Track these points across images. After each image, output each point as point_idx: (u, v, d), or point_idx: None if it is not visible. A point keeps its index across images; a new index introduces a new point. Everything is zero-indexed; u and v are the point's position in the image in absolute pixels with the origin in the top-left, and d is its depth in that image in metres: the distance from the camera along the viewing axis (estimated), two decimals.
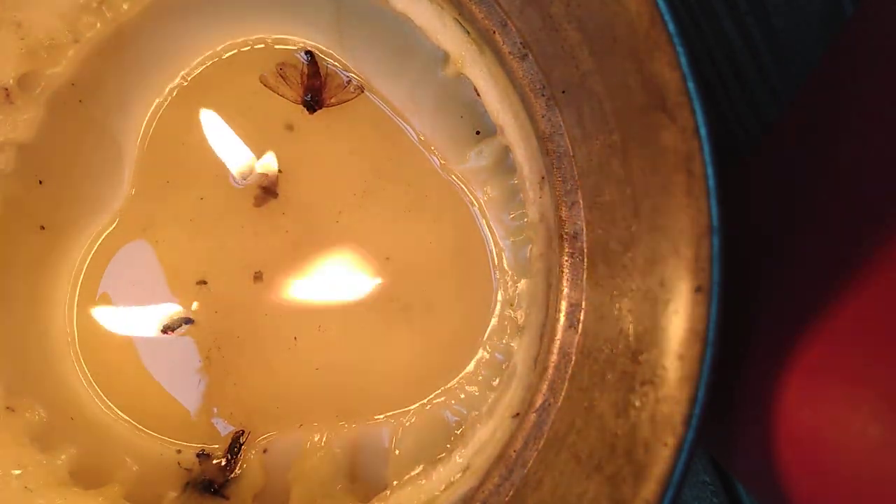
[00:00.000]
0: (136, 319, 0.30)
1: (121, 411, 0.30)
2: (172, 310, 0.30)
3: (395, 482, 0.27)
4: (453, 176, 0.29)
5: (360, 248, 0.30)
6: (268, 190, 0.30)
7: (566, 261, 0.22)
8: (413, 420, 0.29)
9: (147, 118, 0.30)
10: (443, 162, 0.29)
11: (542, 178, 0.24)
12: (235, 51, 0.30)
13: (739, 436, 0.20)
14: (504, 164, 0.28)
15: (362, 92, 0.30)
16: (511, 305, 0.28)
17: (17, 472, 0.26)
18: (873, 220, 0.17)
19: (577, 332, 0.22)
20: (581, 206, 0.22)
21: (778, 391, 0.18)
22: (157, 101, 0.30)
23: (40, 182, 0.29)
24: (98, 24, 0.28)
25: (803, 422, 0.17)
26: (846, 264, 0.17)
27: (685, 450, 0.17)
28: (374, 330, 0.30)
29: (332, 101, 0.30)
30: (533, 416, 0.22)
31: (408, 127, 0.30)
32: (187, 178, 0.30)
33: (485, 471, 0.23)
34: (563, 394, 0.22)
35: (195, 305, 0.30)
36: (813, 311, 0.17)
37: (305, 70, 0.30)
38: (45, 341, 0.29)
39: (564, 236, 0.22)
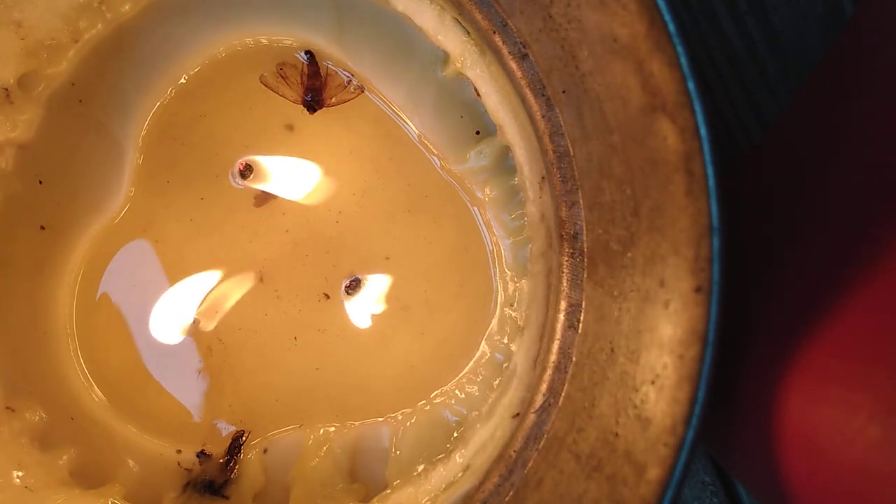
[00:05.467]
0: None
1: (121, 411, 0.30)
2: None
3: (395, 482, 0.27)
4: (453, 176, 0.29)
5: (360, 248, 0.30)
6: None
7: (566, 261, 0.22)
8: (413, 420, 0.29)
9: (147, 118, 0.30)
10: (443, 162, 0.29)
11: (542, 178, 0.24)
12: (235, 51, 0.30)
13: (739, 436, 0.20)
14: (504, 164, 0.28)
15: (362, 92, 0.30)
16: (511, 305, 0.28)
17: (18, 472, 0.26)
18: (874, 221, 0.17)
19: (577, 332, 0.22)
20: (581, 206, 0.22)
21: (778, 391, 0.18)
22: (157, 101, 0.30)
23: (40, 182, 0.29)
24: (98, 24, 0.28)
25: (803, 422, 0.17)
26: (846, 264, 0.17)
27: (685, 450, 0.17)
28: (374, 330, 0.30)
29: (332, 101, 0.30)
30: (533, 416, 0.22)
31: (408, 127, 0.30)
32: (187, 178, 0.30)
33: (485, 471, 0.23)
34: (563, 394, 0.22)
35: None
36: (813, 311, 0.17)
37: (305, 70, 0.30)
38: (46, 341, 0.29)
39: (564, 236, 0.22)
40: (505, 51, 0.23)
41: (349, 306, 0.30)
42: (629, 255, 0.19)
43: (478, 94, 0.25)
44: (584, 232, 0.22)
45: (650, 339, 0.18)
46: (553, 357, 0.22)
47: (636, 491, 0.17)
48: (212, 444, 0.29)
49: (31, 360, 0.29)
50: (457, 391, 0.28)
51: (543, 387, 0.22)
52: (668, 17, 0.17)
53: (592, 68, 0.20)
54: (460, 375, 0.29)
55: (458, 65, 0.25)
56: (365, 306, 0.30)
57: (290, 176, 0.30)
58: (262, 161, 0.30)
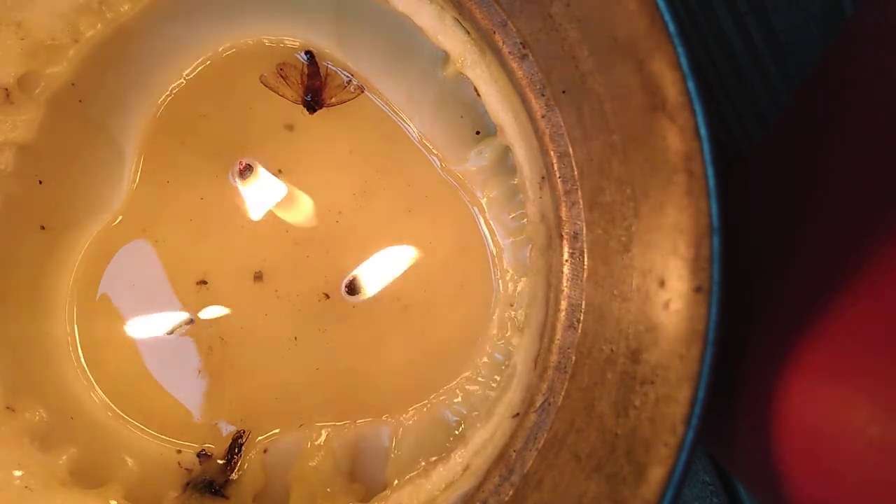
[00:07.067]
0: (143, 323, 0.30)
1: (121, 411, 0.30)
2: (174, 312, 0.30)
3: (395, 482, 0.27)
4: (453, 176, 0.29)
5: (360, 249, 0.30)
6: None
7: (566, 261, 0.22)
8: (413, 420, 0.29)
9: (147, 118, 0.30)
10: (443, 162, 0.29)
11: (542, 178, 0.24)
12: (235, 51, 0.30)
13: (739, 436, 0.20)
14: (504, 164, 0.28)
15: (362, 92, 0.30)
16: (511, 305, 0.28)
17: (18, 472, 0.26)
18: (873, 220, 0.17)
19: (577, 332, 0.22)
20: (581, 206, 0.22)
21: (778, 391, 0.18)
22: (157, 101, 0.30)
23: (40, 182, 0.29)
24: (98, 24, 0.28)
25: (803, 422, 0.17)
26: (846, 264, 0.17)
27: (685, 450, 0.17)
28: (374, 330, 0.30)
29: (332, 101, 0.30)
30: (533, 416, 0.22)
31: (408, 127, 0.30)
32: (187, 178, 0.30)
33: (485, 471, 0.23)
34: (563, 394, 0.22)
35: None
36: (813, 310, 0.17)
37: (305, 70, 0.30)
38: (46, 341, 0.29)
39: (564, 236, 0.22)
40: (505, 51, 0.23)
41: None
42: (629, 255, 0.19)
43: (478, 95, 0.25)
44: (584, 232, 0.22)
45: (650, 338, 0.18)
46: (553, 357, 0.22)
47: (636, 491, 0.17)
48: (212, 444, 0.29)
49: (31, 360, 0.29)
50: (457, 391, 0.28)
51: (543, 387, 0.22)
52: (668, 17, 0.17)
53: (592, 68, 0.20)
54: (460, 375, 0.29)
55: (458, 65, 0.25)
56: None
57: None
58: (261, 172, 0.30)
